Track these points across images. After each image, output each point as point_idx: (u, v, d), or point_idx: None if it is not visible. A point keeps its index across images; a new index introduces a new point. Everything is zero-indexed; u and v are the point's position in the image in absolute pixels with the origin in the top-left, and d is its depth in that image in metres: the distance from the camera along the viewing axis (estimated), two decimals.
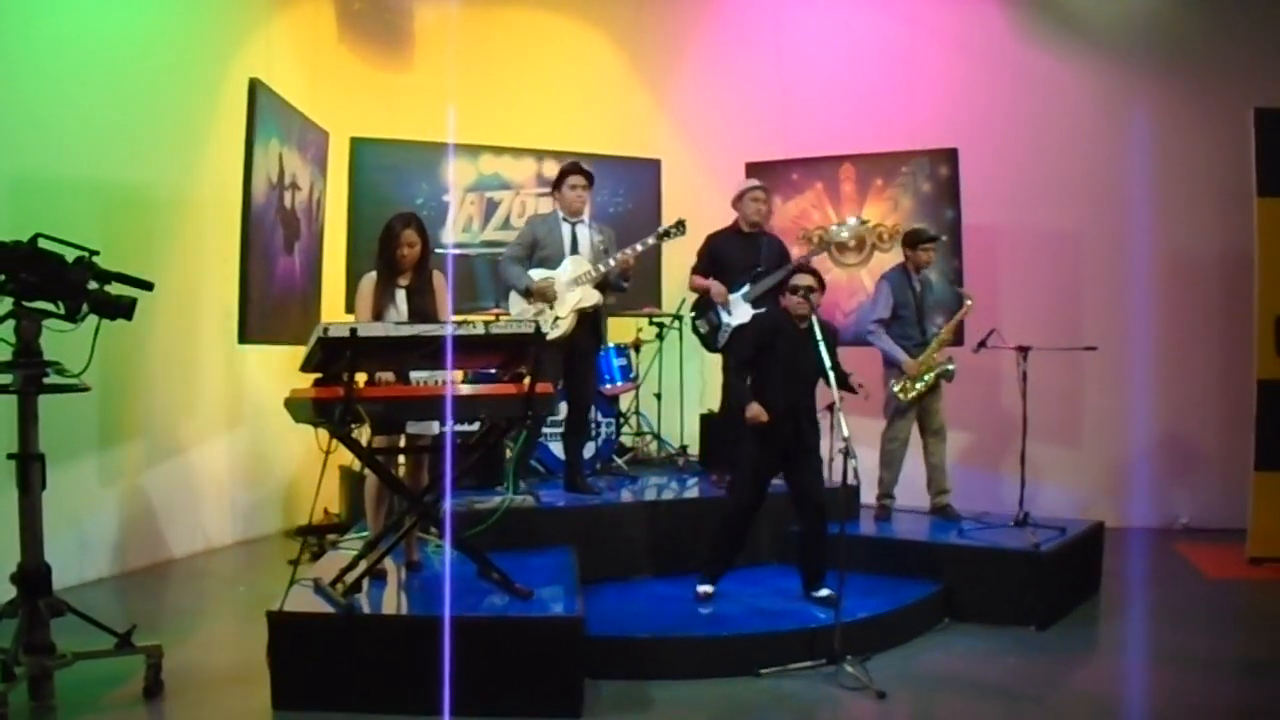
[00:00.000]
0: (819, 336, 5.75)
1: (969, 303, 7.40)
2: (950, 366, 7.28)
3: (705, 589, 6.05)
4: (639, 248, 7.02)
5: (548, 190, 8.86)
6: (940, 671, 5.61)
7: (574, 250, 6.95)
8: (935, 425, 7.43)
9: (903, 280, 7.46)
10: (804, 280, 5.96)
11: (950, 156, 8.86)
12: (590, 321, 6.95)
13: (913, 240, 7.52)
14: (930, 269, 7.61)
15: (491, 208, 9.19)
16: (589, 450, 7.89)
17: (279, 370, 8.41)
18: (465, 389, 5.34)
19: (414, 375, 5.43)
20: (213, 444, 7.96)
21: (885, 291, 7.46)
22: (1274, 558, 7.82)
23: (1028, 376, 7.21)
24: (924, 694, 5.27)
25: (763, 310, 7.13)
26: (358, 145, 8.66)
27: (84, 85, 6.47)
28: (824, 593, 5.98)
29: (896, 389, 7.26)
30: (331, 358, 4.77)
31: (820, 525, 6.00)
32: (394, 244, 5.56)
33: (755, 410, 5.85)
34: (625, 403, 8.82)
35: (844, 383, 5.99)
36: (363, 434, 5.15)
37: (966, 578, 6.52)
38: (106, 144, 6.64)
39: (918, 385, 7.24)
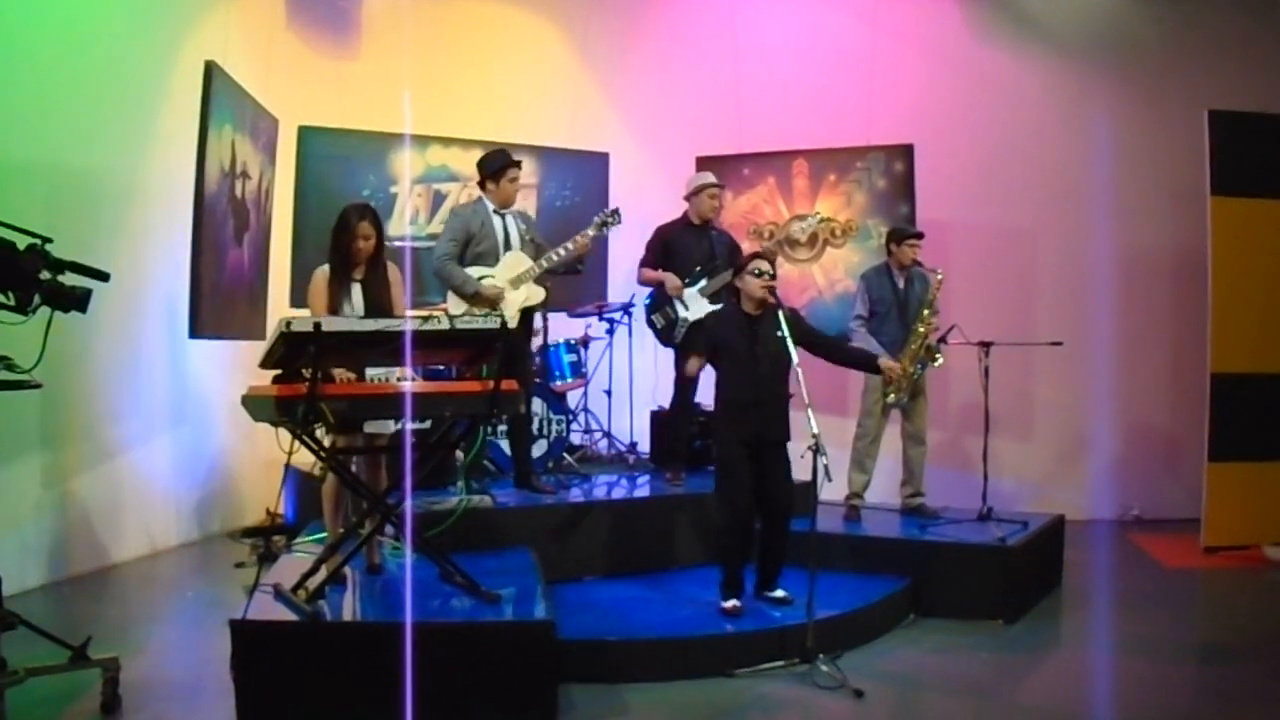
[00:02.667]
0: (784, 325, 5.71)
1: (939, 276, 7.35)
2: (938, 358, 7.22)
3: (733, 604, 5.75)
4: (589, 233, 6.82)
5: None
6: (913, 668, 5.58)
7: (507, 244, 6.75)
8: (916, 430, 7.39)
9: (881, 278, 7.42)
10: (765, 265, 5.87)
11: (906, 152, 8.87)
12: (525, 316, 6.79)
13: (896, 237, 7.47)
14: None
15: (439, 200, 9.03)
16: (540, 448, 7.76)
17: (222, 365, 8.23)
18: (431, 386, 5.18)
19: (369, 373, 5.27)
20: (157, 443, 7.70)
21: (862, 289, 7.45)
22: (1229, 546, 8.00)
23: (989, 372, 7.23)
24: (899, 691, 5.24)
25: (719, 306, 7.09)
26: (305, 134, 8.45)
27: (30, 67, 6.21)
28: (779, 594, 5.91)
29: (890, 398, 7.19)
30: (294, 353, 4.60)
31: (781, 525, 5.91)
32: (349, 236, 5.35)
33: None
34: (574, 400, 8.69)
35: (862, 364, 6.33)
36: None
37: (933, 573, 6.51)
38: (52, 128, 6.38)
39: (903, 384, 7.18)
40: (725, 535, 5.84)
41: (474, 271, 6.63)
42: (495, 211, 6.76)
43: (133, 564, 7.23)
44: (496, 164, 6.77)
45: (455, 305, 6.65)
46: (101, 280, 4.22)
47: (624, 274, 8.47)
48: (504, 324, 4.97)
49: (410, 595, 4.84)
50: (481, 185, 6.85)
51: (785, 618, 5.61)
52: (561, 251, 6.72)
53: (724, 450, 5.88)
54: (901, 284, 7.37)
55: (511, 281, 6.66)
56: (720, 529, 5.88)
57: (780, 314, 5.74)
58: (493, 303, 6.54)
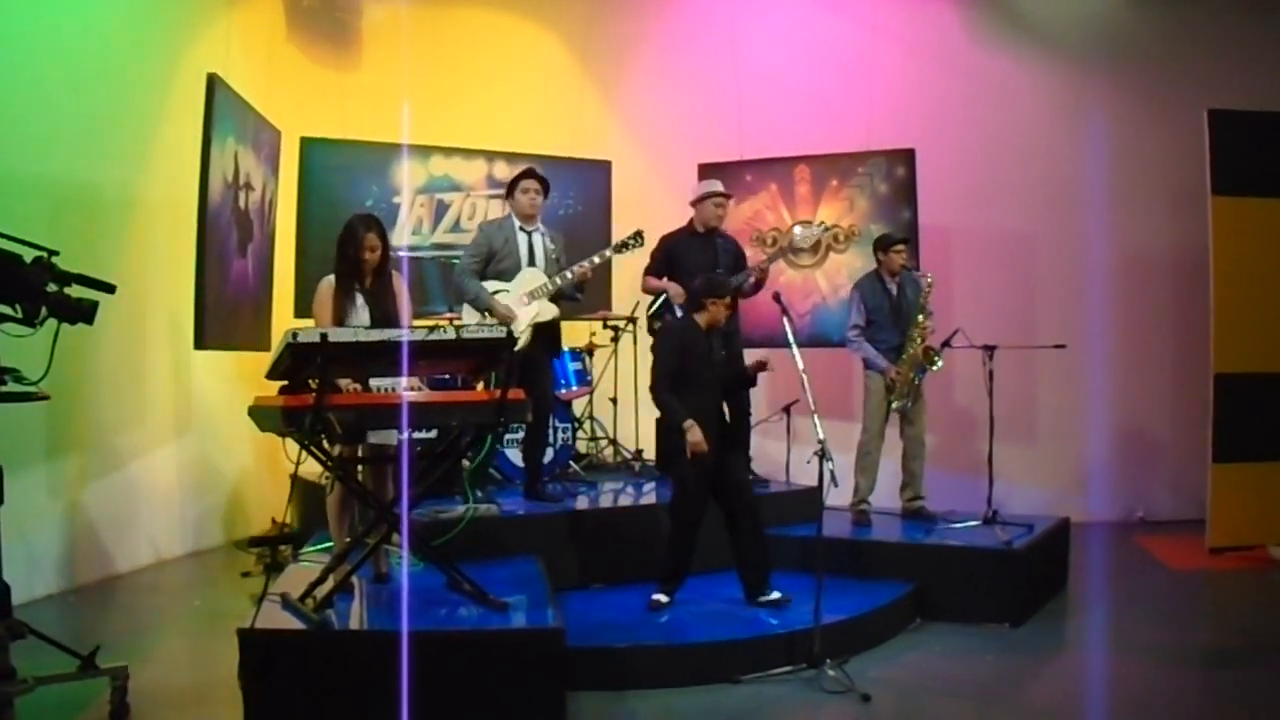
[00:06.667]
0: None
1: (929, 279, 7.38)
2: (937, 362, 7.23)
3: (661, 598, 5.93)
4: (596, 260, 6.94)
5: (498, 192, 8.74)
6: (920, 672, 5.58)
7: (531, 260, 6.81)
8: (916, 433, 7.40)
9: (874, 285, 7.45)
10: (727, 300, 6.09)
11: (908, 157, 8.86)
12: (545, 332, 6.82)
13: (883, 244, 7.50)
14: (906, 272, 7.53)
15: (441, 209, 9.04)
16: (546, 456, 7.75)
17: (226, 376, 8.25)
18: (438, 396, 5.18)
19: (373, 383, 5.28)
20: (161, 453, 7.73)
21: (856, 299, 7.49)
22: (1234, 547, 8.00)
23: (993, 375, 7.25)
24: (906, 695, 5.23)
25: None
26: (308, 145, 8.45)
27: (32, 82, 6.23)
28: (774, 595, 5.91)
29: (894, 405, 7.24)
30: (300, 364, 4.62)
31: (755, 523, 5.96)
32: (356, 247, 5.35)
33: (698, 437, 5.76)
34: (579, 407, 8.70)
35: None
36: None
37: (939, 577, 6.52)
38: (55, 141, 6.41)
39: (905, 390, 7.21)
40: (676, 544, 5.98)
41: (491, 286, 6.68)
42: (521, 229, 6.81)
43: (139, 573, 7.25)
44: (515, 175, 6.92)
45: (469, 317, 6.71)
46: (107, 292, 4.24)
47: (628, 282, 8.48)
48: (509, 334, 4.99)
49: (407, 602, 4.86)
50: (506, 199, 6.99)
51: (792, 623, 5.57)
52: (576, 269, 6.78)
53: (684, 466, 5.93)
54: (894, 290, 7.40)
55: (523, 297, 6.69)
56: (672, 539, 5.99)
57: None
58: (504, 320, 6.56)
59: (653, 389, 6.00)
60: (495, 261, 6.76)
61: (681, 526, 5.95)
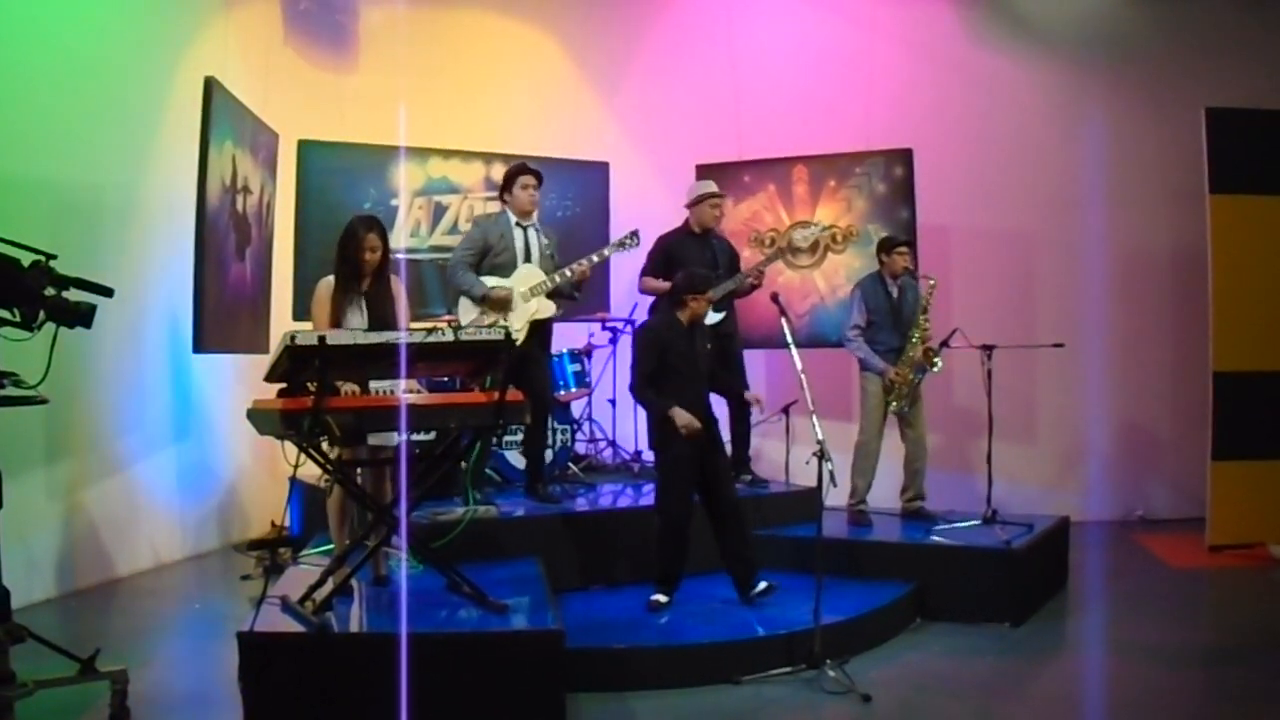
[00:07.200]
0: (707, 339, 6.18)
1: (931, 282, 7.37)
2: (937, 363, 7.23)
3: (660, 598, 5.96)
4: (595, 259, 6.96)
5: (495, 194, 8.76)
6: (920, 672, 5.58)
7: (527, 256, 6.82)
8: (917, 434, 7.41)
9: (876, 286, 7.45)
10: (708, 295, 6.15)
11: (905, 157, 8.86)
12: (539, 329, 6.84)
13: (886, 246, 7.51)
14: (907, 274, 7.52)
15: (440, 212, 9.01)
16: (545, 458, 7.77)
17: (225, 379, 8.24)
18: (436, 397, 5.17)
19: (373, 385, 5.28)
20: (161, 457, 7.72)
21: (858, 299, 7.48)
22: (1234, 545, 8.02)
23: (992, 375, 7.25)
24: (906, 695, 5.22)
25: (722, 315, 7.22)
26: (305, 148, 8.43)
27: (31, 86, 6.23)
28: (761, 586, 5.94)
29: (892, 406, 7.26)
30: (299, 367, 4.62)
31: (739, 521, 6.00)
32: (357, 248, 5.33)
33: (686, 418, 5.82)
34: (578, 409, 8.70)
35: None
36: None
37: (939, 577, 6.52)
38: (54, 145, 6.40)
39: (904, 391, 7.22)
40: (664, 544, 5.98)
41: (489, 282, 6.68)
42: (518, 224, 6.82)
43: (139, 577, 7.24)
44: (510, 173, 6.92)
45: (465, 310, 6.71)
46: (105, 296, 4.24)
47: (626, 283, 8.48)
48: (508, 336, 4.98)
49: (406, 604, 4.85)
50: (500, 198, 6.97)
51: (791, 624, 5.56)
52: (575, 267, 6.79)
53: (670, 464, 5.99)
54: (895, 292, 7.40)
55: (522, 294, 6.69)
56: (660, 538, 5.99)
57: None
58: (501, 306, 6.57)
59: (632, 388, 6.09)
60: (491, 256, 6.76)
61: (668, 522, 5.95)
